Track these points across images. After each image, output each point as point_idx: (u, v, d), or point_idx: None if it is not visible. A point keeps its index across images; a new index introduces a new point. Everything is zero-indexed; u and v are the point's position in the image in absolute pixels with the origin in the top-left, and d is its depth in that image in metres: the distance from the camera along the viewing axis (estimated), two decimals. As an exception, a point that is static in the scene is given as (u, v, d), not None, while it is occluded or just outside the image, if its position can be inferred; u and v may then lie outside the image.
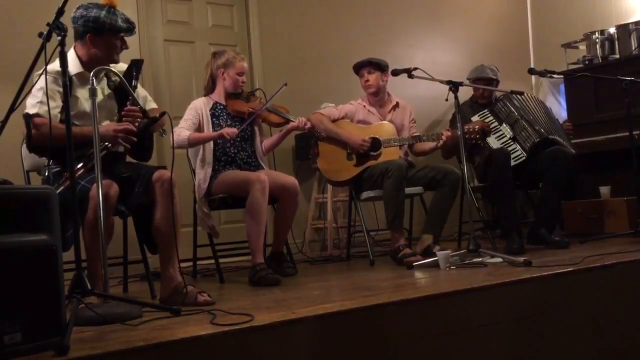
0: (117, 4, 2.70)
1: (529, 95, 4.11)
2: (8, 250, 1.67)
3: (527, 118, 4.01)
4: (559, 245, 3.78)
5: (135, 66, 2.75)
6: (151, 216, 2.64)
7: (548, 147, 3.95)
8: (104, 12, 2.64)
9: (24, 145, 2.96)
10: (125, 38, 2.76)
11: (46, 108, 2.45)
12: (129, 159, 2.90)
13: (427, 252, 3.54)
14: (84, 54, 2.71)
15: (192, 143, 3.43)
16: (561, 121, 4.39)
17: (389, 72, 3.92)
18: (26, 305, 1.68)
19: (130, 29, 2.73)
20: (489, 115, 4.07)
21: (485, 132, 3.80)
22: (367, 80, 4.00)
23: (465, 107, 4.24)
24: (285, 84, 3.57)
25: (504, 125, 4.00)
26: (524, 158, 3.90)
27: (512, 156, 3.90)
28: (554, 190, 3.94)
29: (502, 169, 3.79)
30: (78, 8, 2.68)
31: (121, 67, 2.80)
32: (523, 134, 3.96)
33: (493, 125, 4.02)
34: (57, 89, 2.58)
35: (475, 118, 4.03)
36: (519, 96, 4.01)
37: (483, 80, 4.25)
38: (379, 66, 3.98)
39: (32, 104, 2.58)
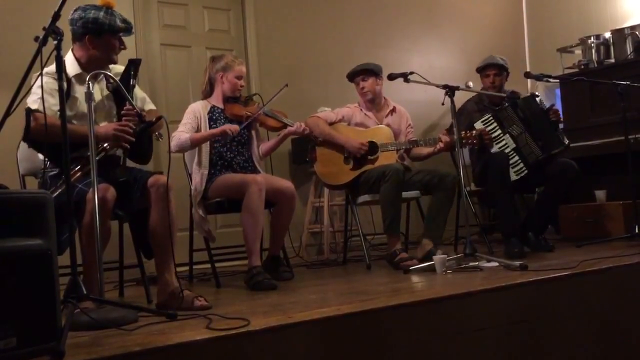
0: (115, 5, 2.70)
1: (531, 100, 4.03)
2: (3, 255, 1.66)
3: (531, 131, 3.93)
4: (544, 249, 3.81)
5: (133, 65, 2.76)
6: (147, 221, 2.64)
7: (550, 158, 3.94)
8: (102, 13, 2.65)
9: (20, 149, 2.96)
10: (123, 39, 2.76)
11: (47, 104, 2.44)
12: (128, 163, 2.89)
13: (428, 258, 3.52)
14: (83, 56, 2.71)
15: (195, 143, 3.42)
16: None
17: (384, 76, 3.92)
18: (21, 310, 1.68)
19: (128, 29, 2.73)
20: (493, 122, 3.97)
21: (483, 138, 3.80)
22: (363, 88, 4.00)
23: (470, 104, 4.20)
24: (286, 85, 3.57)
25: (507, 136, 3.93)
26: (525, 173, 3.87)
27: (514, 169, 3.87)
28: (553, 200, 3.99)
29: (501, 173, 3.79)
30: (76, 10, 2.67)
31: (119, 68, 2.81)
32: (526, 148, 3.91)
33: (496, 134, 3.94)
34: (57, 88, 2.56)
35: (479, 125, 3.95)
36: (522, 105, 3.96)
37: (494, 67, 4.16)
38: (373, 72, 3.99)
39: (33, 100, 2.58)
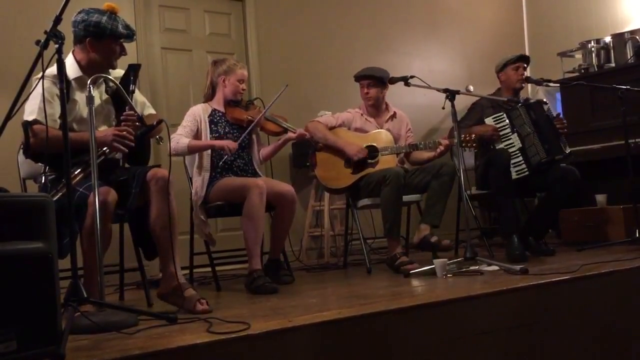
0: (118, 11, 2.71)
1: (537, 106, 4.08)
2: (4, 258, 1.66)
3: (539, 134, 3.96)
4: (545, 253, 3.82)
5: (133, 70, 2.76)
6: (147, 218, 2.63)
7: (552, 163, 3.96)
8: (105, 18, 2.65)
9: (21, 153, 2.96)
10: (124, 44, 2.77)
11: (44, 114, 2.44)
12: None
13: (424, 243, 3.51)
14: (83, 58, 2.72)
15: (192, 150, 3.44)
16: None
17: (388, 84, 3.93)
18: (22, 313, 1.68)
19: (130, 35, 2.74)
20: (505, 119, 4.02)
21: (482, 140, 3.82)
22: (367, 93, 4.01)
23: (485, 100, 4.20)
24: (287, 85, 3.57)
25: (515, 135, 3.98)
26: (526, 174, 3.90)
27: (516, 169, 3.90)
28: (554, 206, 3.99)
29: (503, 168, 3.81)
30: (79, 12, 2.68)
31: (118, 73, 2.81)
32: (532, 149, 3.94)
33: (505, 131, 4.00)
34: (56, 92, 2.56)
35: (489, 121, 4.02)
36: (536, 108, 4.01)
37: (524, 60, 4.21)
38: (381, 80, 3.99)
39: (31, 110, 2.57)
